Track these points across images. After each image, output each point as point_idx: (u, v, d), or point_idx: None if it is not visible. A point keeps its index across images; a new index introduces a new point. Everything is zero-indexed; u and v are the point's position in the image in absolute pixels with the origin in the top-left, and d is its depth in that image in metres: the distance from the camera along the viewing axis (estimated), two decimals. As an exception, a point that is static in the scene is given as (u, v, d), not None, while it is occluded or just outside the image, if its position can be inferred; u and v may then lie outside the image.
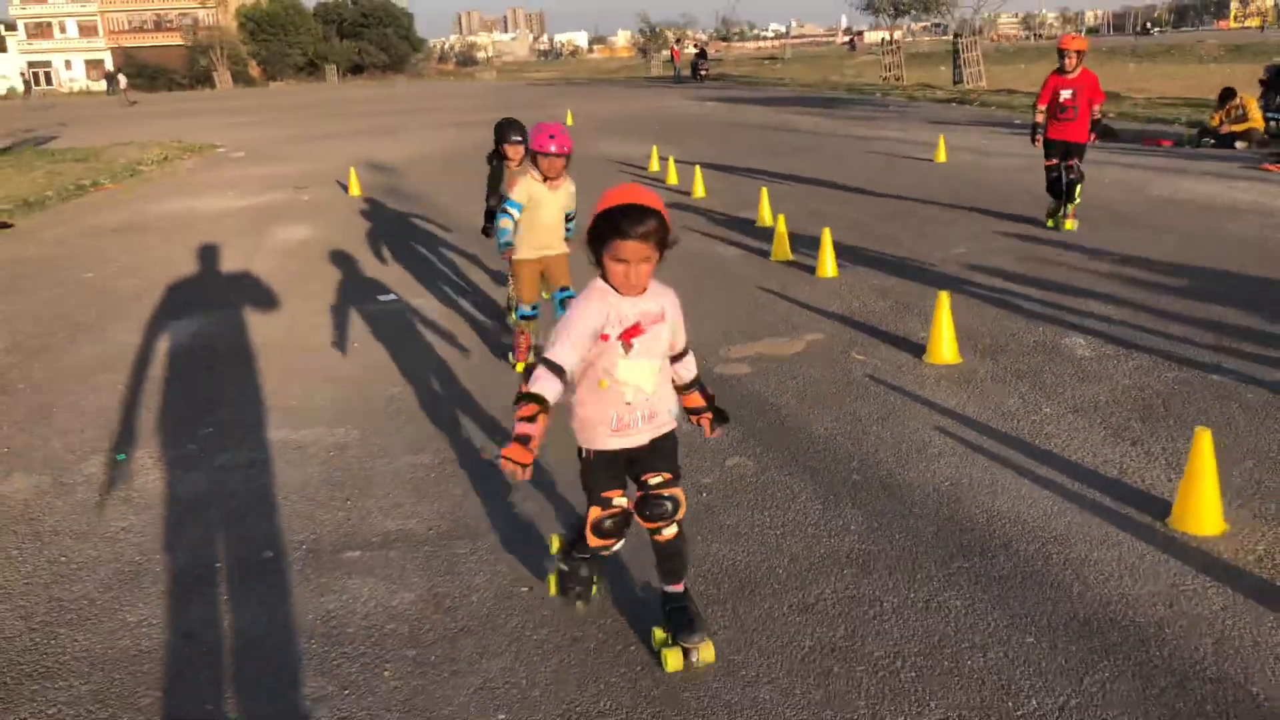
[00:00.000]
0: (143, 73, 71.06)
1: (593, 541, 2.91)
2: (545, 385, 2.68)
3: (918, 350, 5.80)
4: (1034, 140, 8.89)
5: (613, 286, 2.71)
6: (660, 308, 2.79)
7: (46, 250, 10.34)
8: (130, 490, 4.38)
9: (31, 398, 5.65)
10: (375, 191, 13.35)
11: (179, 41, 75.72)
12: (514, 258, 5.41)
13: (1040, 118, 8.74)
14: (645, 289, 2.74)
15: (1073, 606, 3.20)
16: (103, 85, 63.29)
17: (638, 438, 2.83)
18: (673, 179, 13.09)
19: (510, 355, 5.86)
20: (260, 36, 76.16)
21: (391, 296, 7.68)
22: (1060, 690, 2.82)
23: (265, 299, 7.73)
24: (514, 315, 5.86)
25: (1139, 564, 3.44)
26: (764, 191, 10.11)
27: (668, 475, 2.89)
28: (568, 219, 5.48)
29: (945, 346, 5.66)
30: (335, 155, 17.87)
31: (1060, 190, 8.73)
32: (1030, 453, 4.38)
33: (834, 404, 5.05)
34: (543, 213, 5.29)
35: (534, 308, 5.54)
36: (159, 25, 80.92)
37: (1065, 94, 8.48)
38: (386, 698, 2.92)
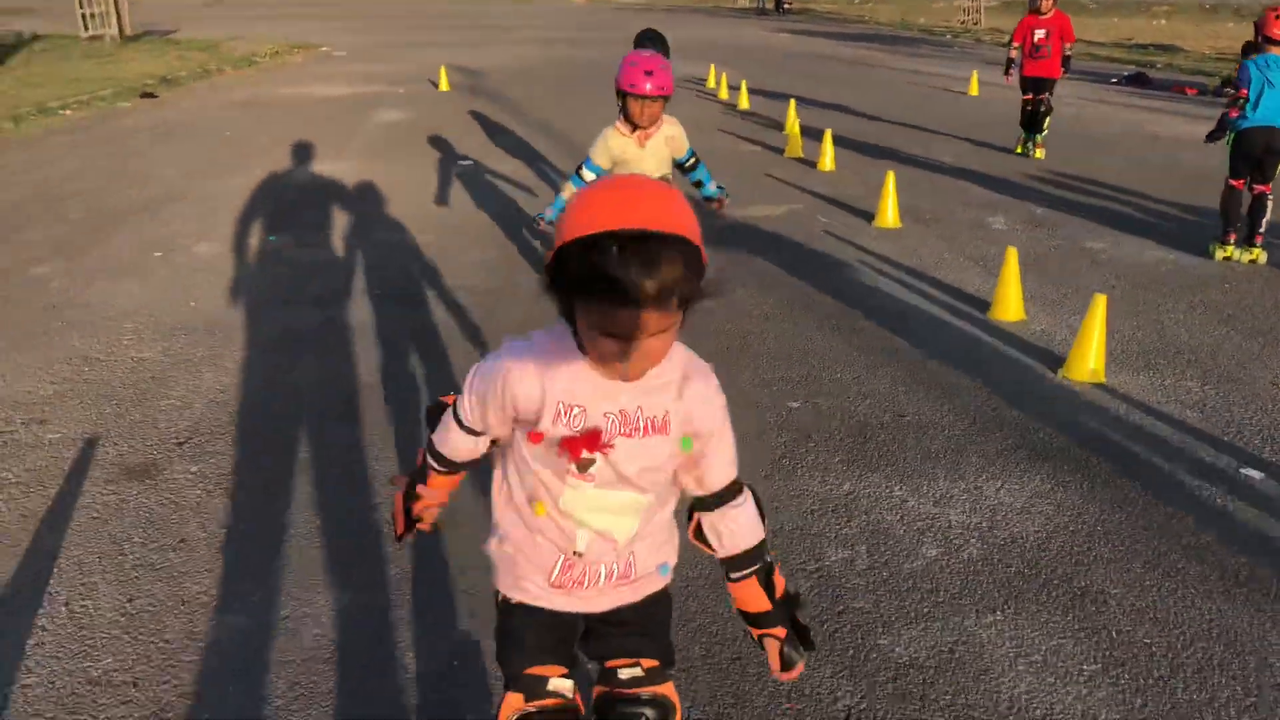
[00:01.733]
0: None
1: None
2: (453, 445, 1.68)
3: (869, 218, 7.48)
4: (1006, 75, 10.17)
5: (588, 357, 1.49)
6: (663, 408, 1.55)
7: (188, 116, 12.38)
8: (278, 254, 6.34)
9: (201, 205, 7.64)
10: (461, 89, 15.15)
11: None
12: None
13: (1014, 54, 10.05)
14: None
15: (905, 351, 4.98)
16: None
17: (595, 601, 1.70)
18: (724, 94, 14.68)
19: None
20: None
21: (469, 162, 9.54)
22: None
23: (368, 156, 9.64)
24: None
25: (963, 335, 5.19)
26: (793, 103, 11.66)
27: (651, 662, 1.76)
28: (686, 167, 4.56)
29: (890, 214, 7.33)
30: (427, 59, 19.66)
31: (1030, 123, 9.98)
32: (921, 278, 6.08)
33: (799, 253, 6.77)
34: (634, 173, 4.07)
35: None
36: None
37: (1039, 34, 9.70)
38: (452, 349, 4.78)
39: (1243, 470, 3.71)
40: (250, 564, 3.06)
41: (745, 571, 1.70)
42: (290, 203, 7.80)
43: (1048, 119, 9.97)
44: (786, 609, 1.71)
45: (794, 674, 1.71)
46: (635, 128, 4.33)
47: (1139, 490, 3.55)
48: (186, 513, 3.34)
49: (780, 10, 45.61)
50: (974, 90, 15.38)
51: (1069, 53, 9.78)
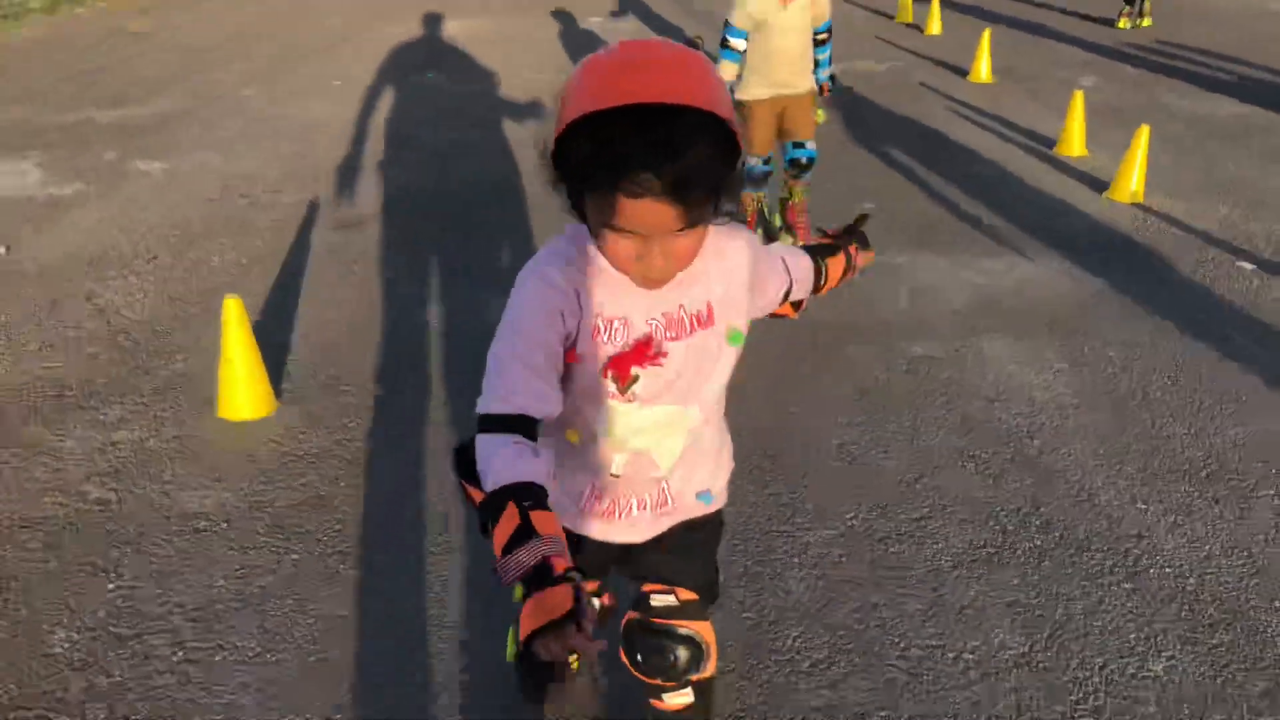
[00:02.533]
0: None
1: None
2: (513, 465, 1.21)
3: (965, 74, 8.07)
4: None
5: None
6: (704, 297, 1.37)
7: None
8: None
9: (368, 46, 8.71)
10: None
11: None
12: (739, 97, 4.16)
13: None
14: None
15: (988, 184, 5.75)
16: None
17: (631, 531, 1.53)
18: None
19: None
20: None
21: (598, 20, 10.35)
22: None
23: (511, 13, 10.54)
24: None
25: (1026, 163, 5.92)
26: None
27: (689, 595, 1.60)
28: (818, 39, 4.22)
29: (984, 70, 7.93)
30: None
31: None
32: (1001, 122, 6.76)
33: (896, 95, 7.46)
34: (776, 39, 4.05)
35: (766, 161, 4.34)
36: None
37: None
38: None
39: (1237, 261, 4.45)
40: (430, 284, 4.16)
41: (821, 282, 1.67)
42: (441, 48, 8.80)
43: None
44: (841, 240, 1.71)
45: (856, 267, 1.71)
46: None
47: (1143, 270, 4.33)
48: (390, 250, 4.46)
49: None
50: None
51: None
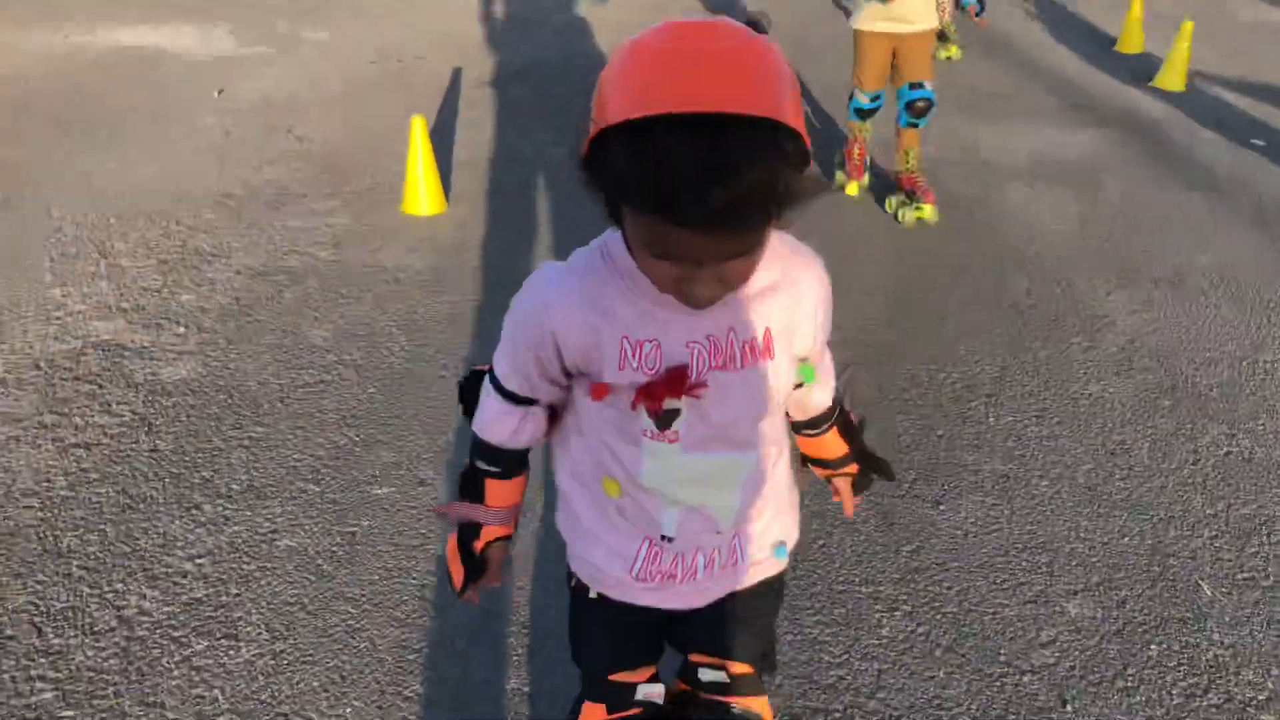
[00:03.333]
0: None
1: None
2: (495, 426, 1.27)
3: None
4: None
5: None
6: (763, 323, 1.15)
7: None
8: None
9: None
10: None
11: None
12: (855, 26, 3.98)
13: None
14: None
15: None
16: None
17: (693, 597, 1.33)
18: None
19: (838, 171, 4.45)
20: None
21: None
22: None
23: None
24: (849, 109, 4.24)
25: (1086, 55, 6.54)
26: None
27: (743, 668, 1.41)
28: None
29: None
30: None
31: None
32: (1077, 21, 7.32)
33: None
34: None
35: (875, 98, 4.09)
36: None
37: None
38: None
39: (1251, 140, 5.12)
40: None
41: (823, 427, 1.40)
42: None
43: None
44: (861, 444, 1.44)
45: (856, 502, 1.47)
46: None
47: (1162, 141, 5.03)
48: (523, 105, 5.38)
49: None
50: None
51: None
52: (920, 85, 3.97)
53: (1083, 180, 4.61)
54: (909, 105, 4.01)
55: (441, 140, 4.86)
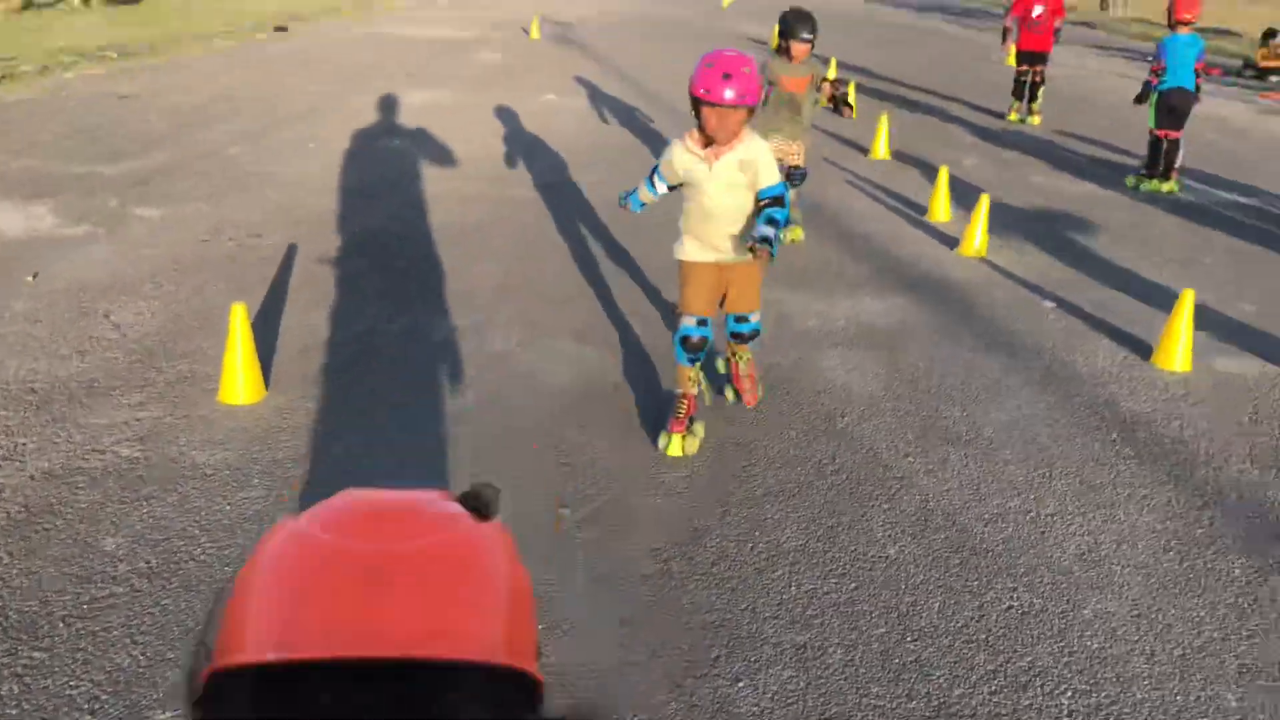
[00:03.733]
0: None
1: None
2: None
3: (865, 151, 9.29)
4: (1004, 44, 11.52)
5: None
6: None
7: (319, 48, 14.57)
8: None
9: (340, 115, 9.79)
10: (549, 39, 17.11)
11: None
12: (677, 257, 3.78)
13: (1010, 24, 11.39)
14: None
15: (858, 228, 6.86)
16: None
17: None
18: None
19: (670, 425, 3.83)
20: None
21: (552, 96, 11.53)
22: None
23: (468, 89, 11.70)
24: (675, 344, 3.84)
25: (897, 226, 7.05)
26: (833, 60, 13.33)
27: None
28: (765, 202, 3.46)
29: (882, 149, 9.15)
30: (521, 10, 21.61)
31: (1023, 93, 11.09)
32: (887, 193, 7.92)
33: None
34: (706, 200, 3.58)
35: (702, 323, 3.73)
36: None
37: (1038, 10, 11.02)
38: (527, 212, 6.83)
39: (1043, 301, 5.56)
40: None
41: None
42: (407, 118, 9.88)
43: (1040, 89, 11.09)
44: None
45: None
46: (709, 142, 3.48)
47: (966, 306, 5.41)
48: (358, 280, 5.43)
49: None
50: (1010, 60, 16.83)
51: (1059, 26, 11.10)
52: (745, 319, 3.78)
53: (891, 345, 4.90)
54: (734, 334, 3.84)
55: (269, 322, 4.85)
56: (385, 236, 6.20)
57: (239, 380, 4.08)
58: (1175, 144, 8.19)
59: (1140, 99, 8.38)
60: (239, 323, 4.06)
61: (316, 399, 4.15)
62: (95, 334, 4.67)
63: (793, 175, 5.87)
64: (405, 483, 0.80)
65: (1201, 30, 24.52)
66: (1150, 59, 8.37)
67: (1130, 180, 8.40)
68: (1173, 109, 8.09)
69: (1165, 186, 8.20)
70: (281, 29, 16.17)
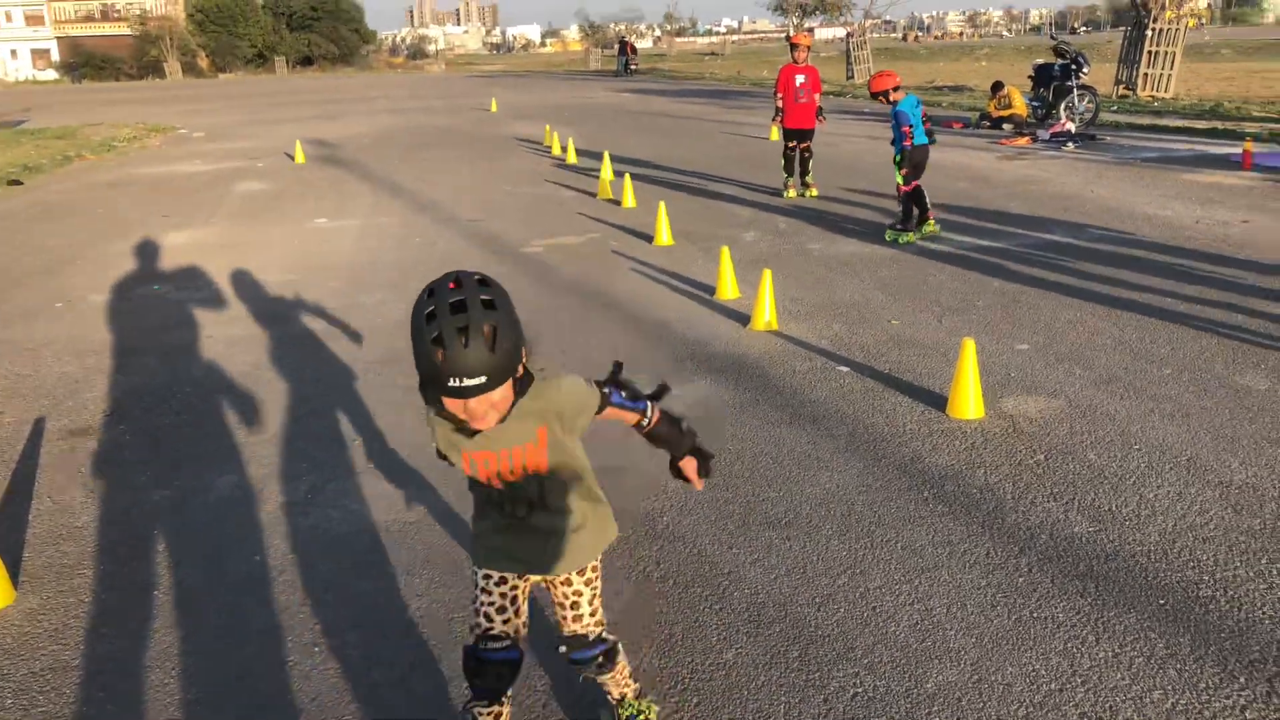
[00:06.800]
0: (90, 62, 73.18)
1: None
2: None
3: (649, 238, 9.42)
4: (774, 121, 11.99)
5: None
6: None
7: (59, 198, 13.63)
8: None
9: (90, 265, 9.06)
10: (316, 161, 16.72)
11: (127, 31, 77.62)
12: None
13: (779, 103, 11.97)
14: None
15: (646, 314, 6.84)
16: (49, 74, 65.92)
17: None
18: (556, 150, 16.67)
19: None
20: (209, 28, 78.42)
21: (324, 220, 11.16)
22: (603, 334, 6.44)
23: (233, 221, 11.16)
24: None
25: (690, 308, 7.09)
26: (606, 154, 13.64)
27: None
28: None
29: (665, 235, 9.30)
30: (283, 135, 21.13)
31: (793, 168, 11.49)
32: (675, 276, 8.00)
33: (590, 263, 8.63)
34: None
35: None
36: (106, 15, 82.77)
37: (800, 79, 11.60)
38: (307, 345, 6.44)
39: (838, 367, 5.67)
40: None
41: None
42: (167, 261, 9.28)
43: (810, 162, 11.58)
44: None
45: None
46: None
47: (763, 380, 5.44)
48: (119, 449, 4.90)
49: (628, 72, 48.70)
50: (774, 136, 17.77)
51: (820, 104, 11.69)
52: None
53: (698, 430, 4.81)
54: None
55: (13, 512, 4.28)
56: (146, 395, 5.67)
57: (-23, 587, 3.53)
58: (920, 190, 8.86)
59: (903, 163, 8.96)
60: (-30, 522, 3.53)
61: (77, 593, 3.64)
62: None
63: None
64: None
65: (939, 89, 27.19)
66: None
67: (889, 235, 8.96)
68: (918, 163, 8.83)
69: (928, 229, 8.88)
70: (16, 183, 15.06)
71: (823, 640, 3.12)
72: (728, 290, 7.28)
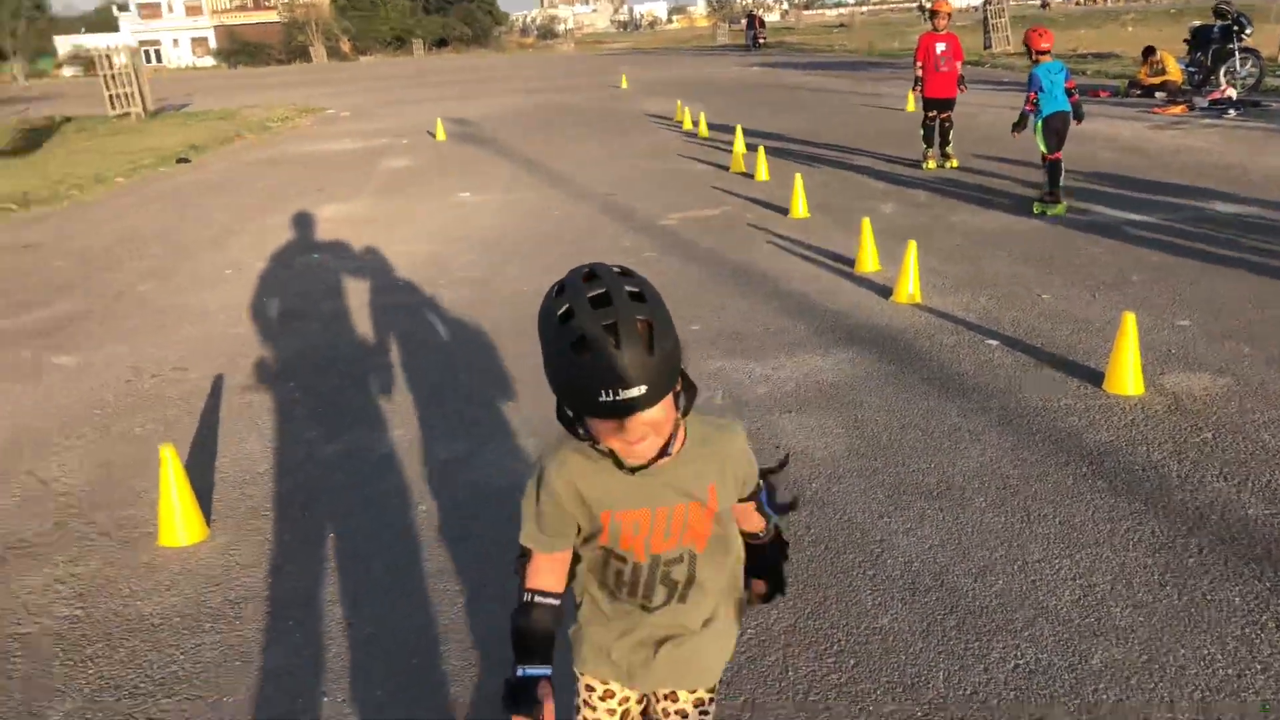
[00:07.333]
0: (244, 48, 76.75)
1: None
2: None
3: (786, 212, 9.38)
4: (914, 90, 11.76)
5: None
6: None
7: (223, 175, 14.41)
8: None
9: (253, 237, 9.59)
10: (455, 138, 17.18)
11: (276, 18, 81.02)
12: None
13: (919, 71, 11.71)
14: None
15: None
16: (208, 61, 69.55)
17: None
18: (688, 125, 16.69)
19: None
20: (351, 13, 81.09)
21: (466, 194, 11.50)
22: (744, 306, 6.47)
23: (381, 195, 11.61)
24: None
25: (828, 281, 7.06)
26: (739, 128, 13.58)
27: None
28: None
29: (801, 208, 9.24)
30: (423, 114, 21.75)
31: (933, 139, 11.23)
32: (810, 249, 7.96)
33: (726, 236, 8.67)
34: None
35: None
36: (257, 3, 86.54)
37: (940, 46, 11.23)
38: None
39: (986, 341, 5.56)
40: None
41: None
42: (322, 232, 9.74)
43: (950, 132, 11.30)
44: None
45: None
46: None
47: (910, 353, 5.38)
48: (291, 404, 5.22)
49: (755, 46, 48.14)
50: (910, 107, 17.35)
51: (962, 72, 11.37)
52: None
53: (845, 402, 4.83)
54: None
55: (203, 458, 4.61)
56: (312, 357, 6.00)
57: (178, 522, 3.84)
58: (1058, 164, 8.56)
59: (1018, 127, 8.78)
60: (170, 463, 3.83)
61: (262, 532, 3.91)
62: (20, 493, 4.39)
63: None
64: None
65: (1082, 57, 25.91)
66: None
67: (1036, 207, 8.69)
68: (1057, 132, 8.57)
69: (1058, 209, 8.58)
70: (184, 160, 16.00)
71: (981, 611, 3.11)
72: (868, 263, 7.20)
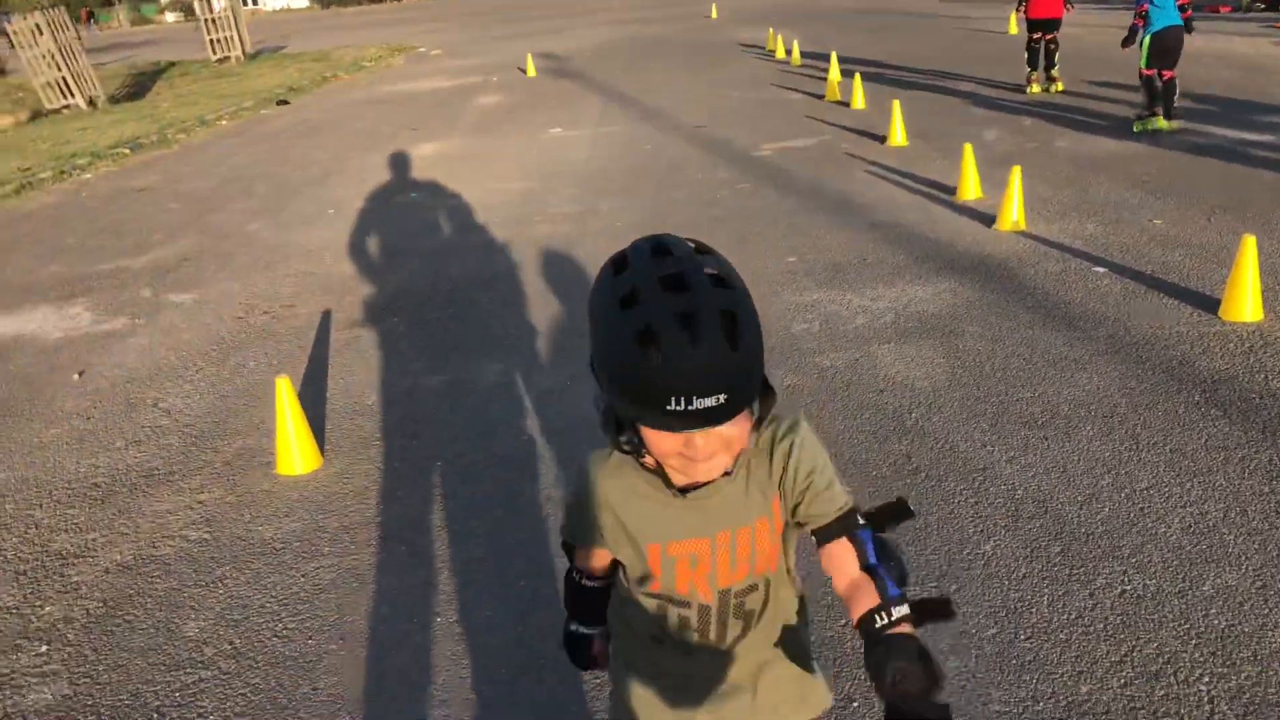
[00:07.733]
0: (337, -12, 77.46)
1: None
2: None
3: (883, 140, 9.16)
4: (1018, 11, 11.32)
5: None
6: None
7: (321, 115, 14.69)
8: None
9: (353, 176, 9.80)
10: (545, 74, 17.15)
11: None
12: None
13: None
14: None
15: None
16: (302, 2, 70.37)
17: None
18: (780, 54, 16.35)
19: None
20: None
21: (558, 129, 11.51)
22: (841, 236, 6.38)
23: (475, 133, 11.71)
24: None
25: (928, 208, 6.91)
26: (834, 54, 13.23)
27: None
28: None
29: (899, 135, 9.02)
30: (513, 50, 21.74)
31: (1038, 62, 10.78)
32: (910, 177, 7.78)
33: (823, 166, 8.53)
34: None
35: None
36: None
37: None
38: (553, 247, 6.76)
39: (1094, 268, 5.39)
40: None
41: None
42: (418, 170, 9.89)
43: (1056, 54, 10.83)
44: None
45: None
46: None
47: (1014, 281, 5.26)
48: (396, 338, 5.38)
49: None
50: (1012, 29, 16.65)
51: None
52: None
53: (946, 331, 4.76)
54: None
55: (314, 390, 4.80)
56: (415, 291, 6.15)
57: (294, 451, 4.03)
58: (1172, 83, 8.20)
59: (1128, 42, 8.47)
60: (286, 395, 4.01)
61: (374, 460, 4.08)
62: (147, 423, 4.64)
63: None
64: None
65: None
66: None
67: (1136, 125, 8.40)
68: (1168, 48, 8.20)
69: (1168, 125, 8.23)
70: (284, 102, 16.35)
71: (1086, 537, 3.08)
72: (970, 190, 7.01)
